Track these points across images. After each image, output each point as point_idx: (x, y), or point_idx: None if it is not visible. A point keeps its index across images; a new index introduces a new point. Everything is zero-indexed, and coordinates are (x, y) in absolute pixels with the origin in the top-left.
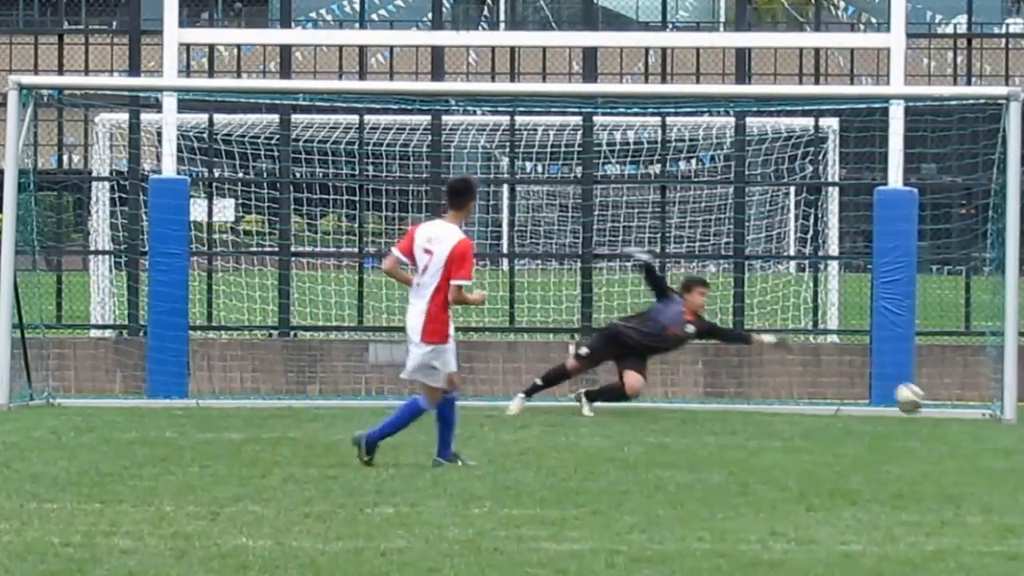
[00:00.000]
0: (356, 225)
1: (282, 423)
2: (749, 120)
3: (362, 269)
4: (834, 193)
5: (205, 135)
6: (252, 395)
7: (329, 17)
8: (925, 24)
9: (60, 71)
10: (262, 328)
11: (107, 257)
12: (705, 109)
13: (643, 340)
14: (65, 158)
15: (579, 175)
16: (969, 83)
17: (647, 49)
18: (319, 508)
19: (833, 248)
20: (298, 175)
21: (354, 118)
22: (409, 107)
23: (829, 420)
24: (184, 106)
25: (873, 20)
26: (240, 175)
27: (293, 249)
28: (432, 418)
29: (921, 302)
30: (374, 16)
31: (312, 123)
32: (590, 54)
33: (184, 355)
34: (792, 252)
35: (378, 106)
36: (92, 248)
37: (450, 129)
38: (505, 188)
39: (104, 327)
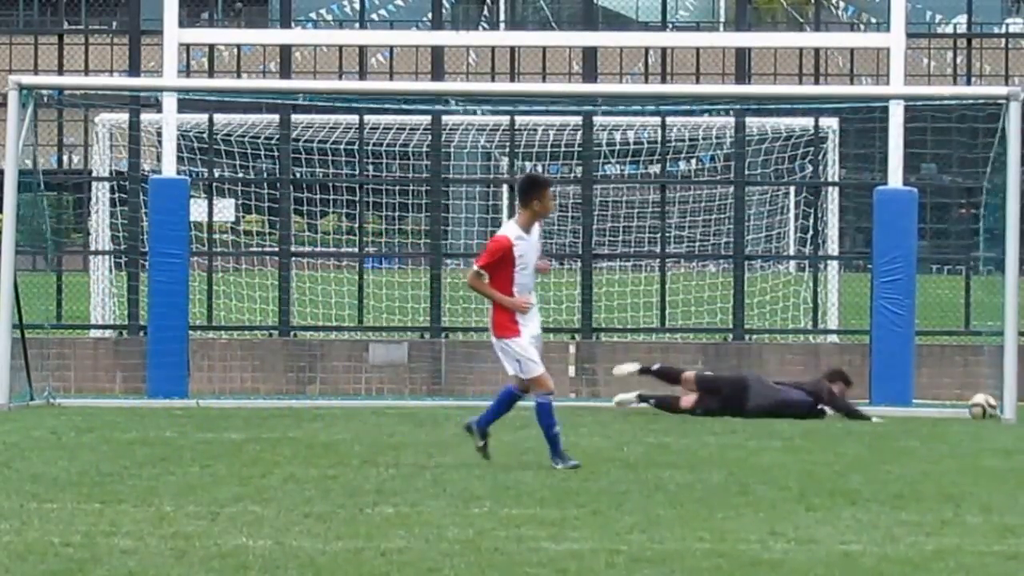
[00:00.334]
0: (356, 225)
1: (282, 423)
2: (749, 120)
3: (362, 269)
4: (834, 193)
5: (205, 135)
6: (252, 395)
7: (329, 17)
8: (925, 24)
9: (60, 71)
10: (262, 328)
11: (107, 257)
12: (705, 109)
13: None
14: (65, 158)
15: (579, 175)
16: (969, 83)
17: (647, 49)
18: (319, 508)
19: (833, 248)
20: (298, 175)
21: (354, 118)
22: (409, 107)
23: (829, 420)
24: (184, 106)
25: (873, 20)
26: (240, 175)
27: (293, 249)
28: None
29: (921, 302)
30: (374, 16)
31: (312, 123)
32: (590, 54)
33: (184, 355)
34: (792, 252)
35: (378, 106)
36: (92, 248)
37: (450, 129)
38: (505, 188)
39: (104, 327)
